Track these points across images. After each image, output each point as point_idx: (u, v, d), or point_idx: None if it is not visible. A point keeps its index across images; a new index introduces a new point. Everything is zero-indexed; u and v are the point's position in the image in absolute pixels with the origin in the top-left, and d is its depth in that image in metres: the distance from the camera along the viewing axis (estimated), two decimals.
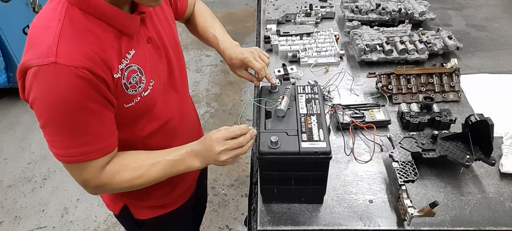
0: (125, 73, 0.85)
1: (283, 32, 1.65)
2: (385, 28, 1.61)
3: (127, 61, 0.86)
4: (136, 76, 0.88)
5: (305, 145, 0.89)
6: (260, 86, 1.13)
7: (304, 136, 0.91)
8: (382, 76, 1.32)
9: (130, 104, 0.89)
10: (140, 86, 0.90)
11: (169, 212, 1.21)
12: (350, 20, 1.69)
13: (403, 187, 0.95)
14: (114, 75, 0.82)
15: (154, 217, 1.18)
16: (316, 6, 1.82)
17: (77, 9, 0.78)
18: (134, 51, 0.88)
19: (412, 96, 1.32)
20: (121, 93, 0.86)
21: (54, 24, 0.76)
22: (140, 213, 1.17)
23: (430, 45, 1.48)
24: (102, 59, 0.79)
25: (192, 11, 1.29)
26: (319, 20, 1.80)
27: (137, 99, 0.90)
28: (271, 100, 1.02)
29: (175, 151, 0.96)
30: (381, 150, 1.15)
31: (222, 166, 0.93)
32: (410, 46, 1.47)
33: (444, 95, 1.33)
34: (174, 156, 0.95)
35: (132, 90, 0.88)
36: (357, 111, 1.21)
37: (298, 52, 1.53)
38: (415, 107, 1.22)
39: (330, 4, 1.86)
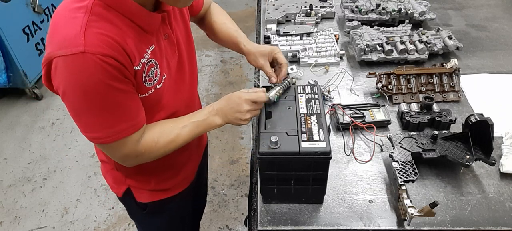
0: (146, 67, 0.90)
1: (283, 32, 1.65)
2: (385, 28, 1.61)
3: (148, 55, 0.90)
4: (154, 70, 0.93)
5: (305, 145, 0.89)
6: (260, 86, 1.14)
7: (304, 136, 0.91)
8: (382, 76, 1.32)
9: (144, 95, 0.93)
10: (155, 80, 0.94)
11: (170, 197, 1.24)
12: (350, 20, 1.69)
13: (403, 187, 0.95)
14: (135, 67, 0.86)
15: (156, 200, 1.22)
16: (316, 6, 1.82)
17: (103, 4, 0.82)
18: (153, 47, 0.92)
19: (412, 96, 1.32)
20: (139, 84, 0.90)
21: (80, 15, 0.79)
22: (141, 196, 1.20)
23: (430, 45, 1.48)
24: (125, 50, 0.83)
25: (207, 10, 1.31)
26: (319, 20, 1.80)
27: (151, 91, 0.94)
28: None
29: (198, 113, 1.05)
30: (381, 150, 1.15)
31: (238, 125, 1.04)
32: (410, 46, 1.47)
33: (444, 95, 1.33)
34: (197, 117, 1.03)
35: (149, 83, 0.93)
36: (357, 111, 1.21)
37: (298, 52, 1.53)
38: (415, 107, 1.22)
39: (330, 4, 1.86)
